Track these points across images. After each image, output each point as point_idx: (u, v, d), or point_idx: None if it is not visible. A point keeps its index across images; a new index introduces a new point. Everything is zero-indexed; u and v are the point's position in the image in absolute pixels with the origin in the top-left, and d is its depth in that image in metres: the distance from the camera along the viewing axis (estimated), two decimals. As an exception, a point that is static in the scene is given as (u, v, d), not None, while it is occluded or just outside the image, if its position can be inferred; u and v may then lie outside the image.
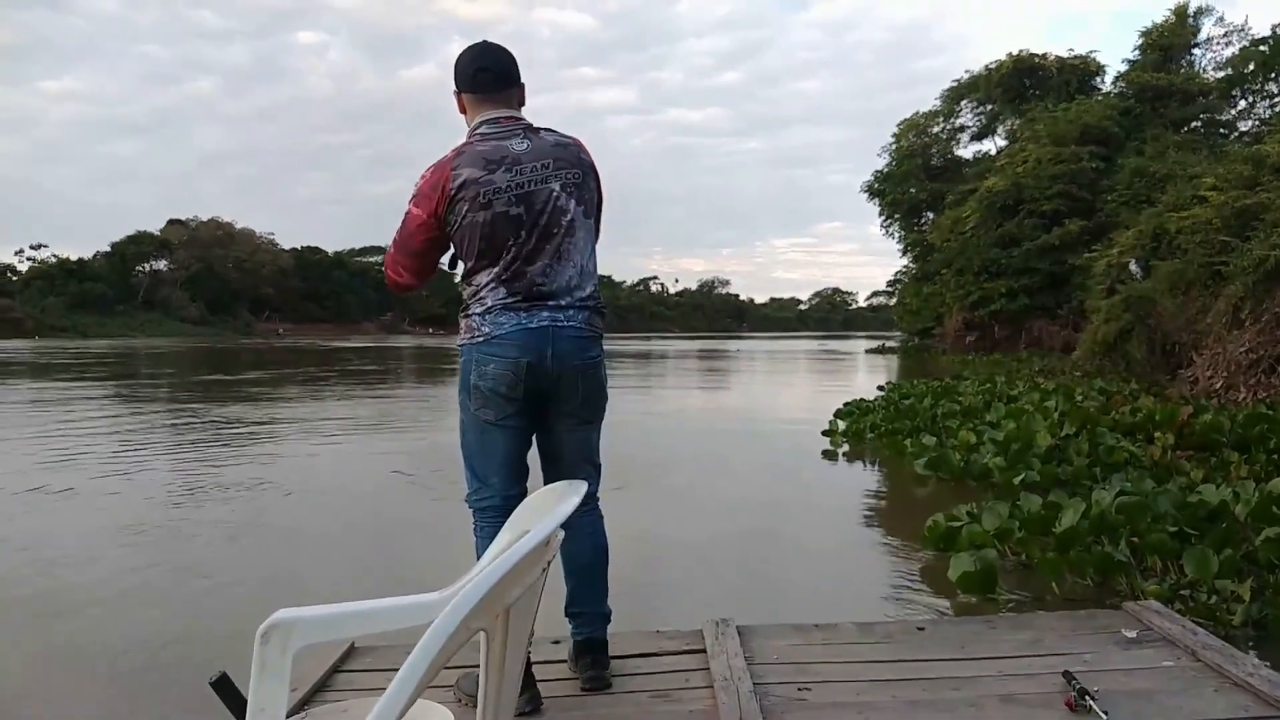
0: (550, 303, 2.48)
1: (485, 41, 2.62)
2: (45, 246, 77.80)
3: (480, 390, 2.51)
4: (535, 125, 2.59)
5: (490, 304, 2.48)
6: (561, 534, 1.25)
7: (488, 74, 2.56)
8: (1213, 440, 8.08)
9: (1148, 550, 4.74)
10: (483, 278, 2.49)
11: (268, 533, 6.27)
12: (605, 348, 2.65)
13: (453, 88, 2.61)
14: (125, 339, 59.67)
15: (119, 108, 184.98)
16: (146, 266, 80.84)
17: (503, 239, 2.45)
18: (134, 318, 72.39)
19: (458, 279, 2.63)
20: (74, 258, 76.76)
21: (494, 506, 2.57)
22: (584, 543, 2.65)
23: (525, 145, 2.50)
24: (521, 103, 2.63)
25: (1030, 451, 7.81)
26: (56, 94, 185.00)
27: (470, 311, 2.52)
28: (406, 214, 2.51)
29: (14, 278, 74.28)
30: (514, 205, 2.44)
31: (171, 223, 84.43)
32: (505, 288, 2.47)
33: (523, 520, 1.45)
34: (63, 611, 4.49)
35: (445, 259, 2.60)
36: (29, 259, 76.88)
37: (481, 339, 2.48)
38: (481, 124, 2.55)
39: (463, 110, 2.62)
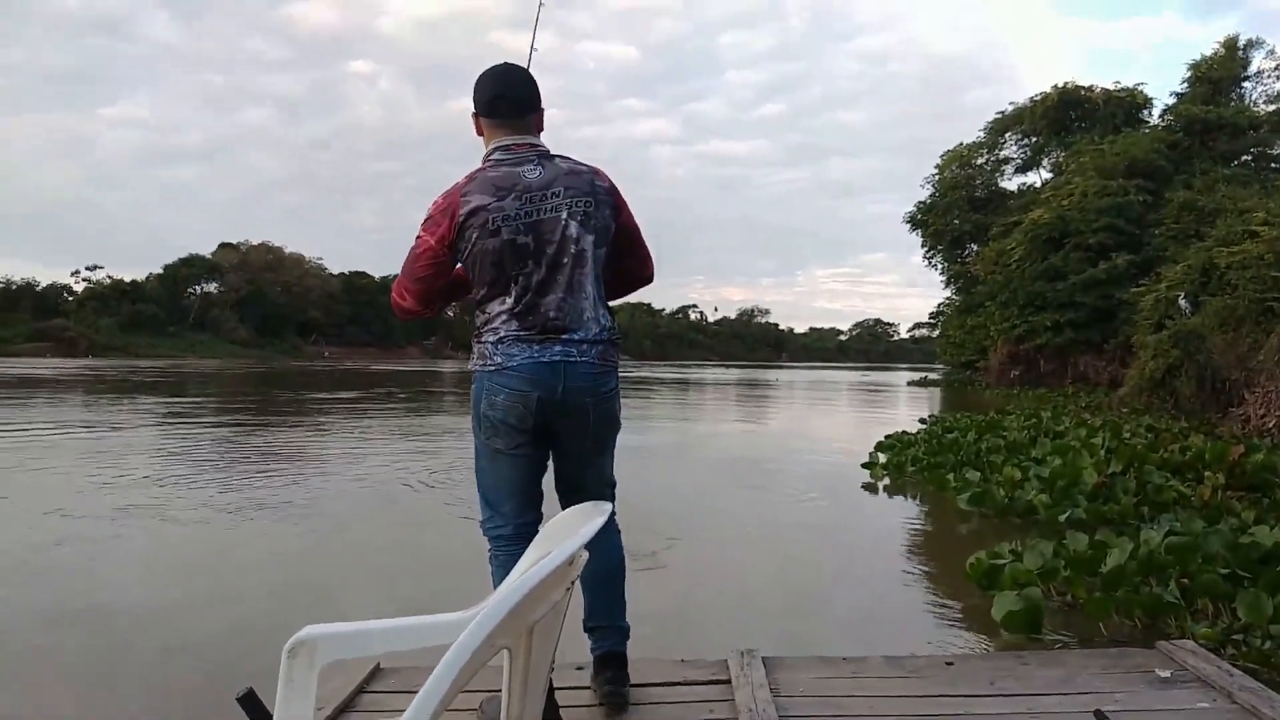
0: (564, 336, 2.45)
1: (506, 64, 2.59)
2: (100, 268, 79.77)
3: (490, 420, 2.49)
4: (551, 153, 2.56)
5: (503, 334, 2.46)
6: (585, 554, 1.24)
7: (504, 101, 2.53)
8: (1265, 480, 7.86)
9: (1198, 592, 4.60)
10: (495, 306, 2.48)
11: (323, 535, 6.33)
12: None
13: (471, 110, 2.60)
14: (177, 359, 60.78)
15: (175, 134, 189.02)
16: (198, 289, 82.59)
17: (511, 267, 2.43)
18: (184, 338, 73.87)
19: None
20: (128, 279, 78.64)
21: (506, 535, 2.56)
22: (599, 556, 2.61)
23: (537, 173, 2.48)
24: (540, 128, 2.61)
25: (1076, 489, 7.65)
26: (114, 120, 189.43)
27: (483, 339, 2.50)
28: (416, 239, 2.50)
29: (70, 298, 76.20)
30: (522, 234, 2.42)
31: (223, 246, 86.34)
32: (518, 321, 2.45)
33: (548, 540, 1.45)
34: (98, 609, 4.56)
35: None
36: (84, 280, 78.89)
37: (493, 368, 2.46)
38: (495, 150, 2.53)
39: (480, 133, 2.61)
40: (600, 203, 2.53)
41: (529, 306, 2.44)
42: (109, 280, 78.13)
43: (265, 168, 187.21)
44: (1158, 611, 4.45)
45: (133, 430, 14.61)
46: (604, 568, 2.64)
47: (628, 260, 2.68)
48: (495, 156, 2.51)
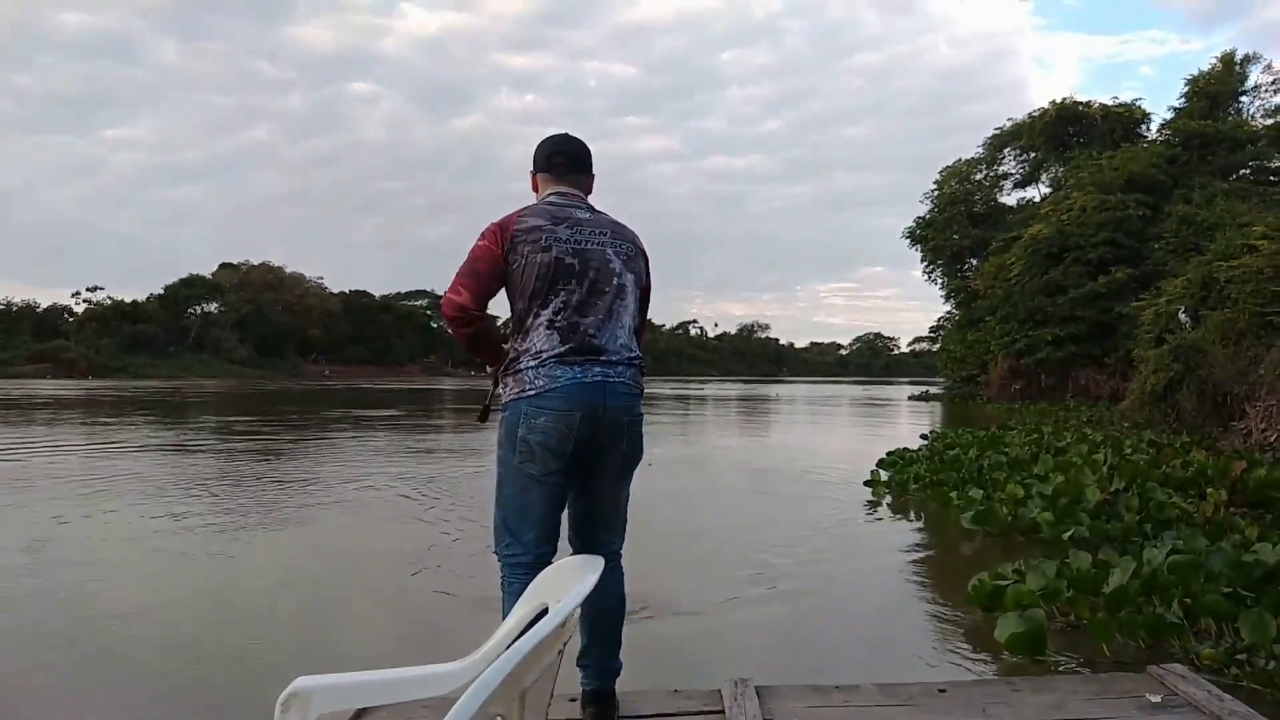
0: (602, 358, 2.58)
1: (565, 133, 2.87)
2: (101, 288, 79.91)
3: (528, 444, 2.55)
4: (597, 209, 2.79)
5: (545, 356, 2.54)
6: (578, 613, 1.23)
7: (561, 158, 2.80)
8: (1268, 496, 7.86)
9: (1201, 612, 4.58)
10: (533, 323, 2.58)
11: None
12: (646, 389, 2.78)
13: (529, 169, 2.85)
14: (177, 379, 60.70)
15: (178, 154, 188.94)
16: (198, 309, 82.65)
17: (555, 282, 2.57)
18: (184, 359, 73.79)
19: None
20: (128, 300, 78.76)
21: (525, 564, 2.59)
22: (602, 599, 2.63)
23: (587, 215, 2.71)
24: (589, 190, 2.84)
25: (1079, 506, 7.64)
26: (118, 141, 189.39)
27: (521, 366, 2.57)
28: (472, 247, 2.65)
29: (70, 319, 76.27)
30: (570, 255, 2.59)
31: (223, 266, 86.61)
32: (559, 335, 2.55)
33: (540, 593, 1.44)
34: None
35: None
36: (85, 300, 78.97)
37: (534, 392, 2.53)
38: (551, 194, 2.76)
39: (535, 189, 2.84)
40: (639, 254, 2.78)
41: (570, 324, 2.57)
42: (109, 301, 78.23)
43: (267, 188, 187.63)
44: (1160, 632, 4.43)
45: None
46: (603, 607, 2.67)
47: (638, 319, 2.84)
48: (550, 199, 2.74)
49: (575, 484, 2.66)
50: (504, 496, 2.66)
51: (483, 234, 2.64)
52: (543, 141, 2.85)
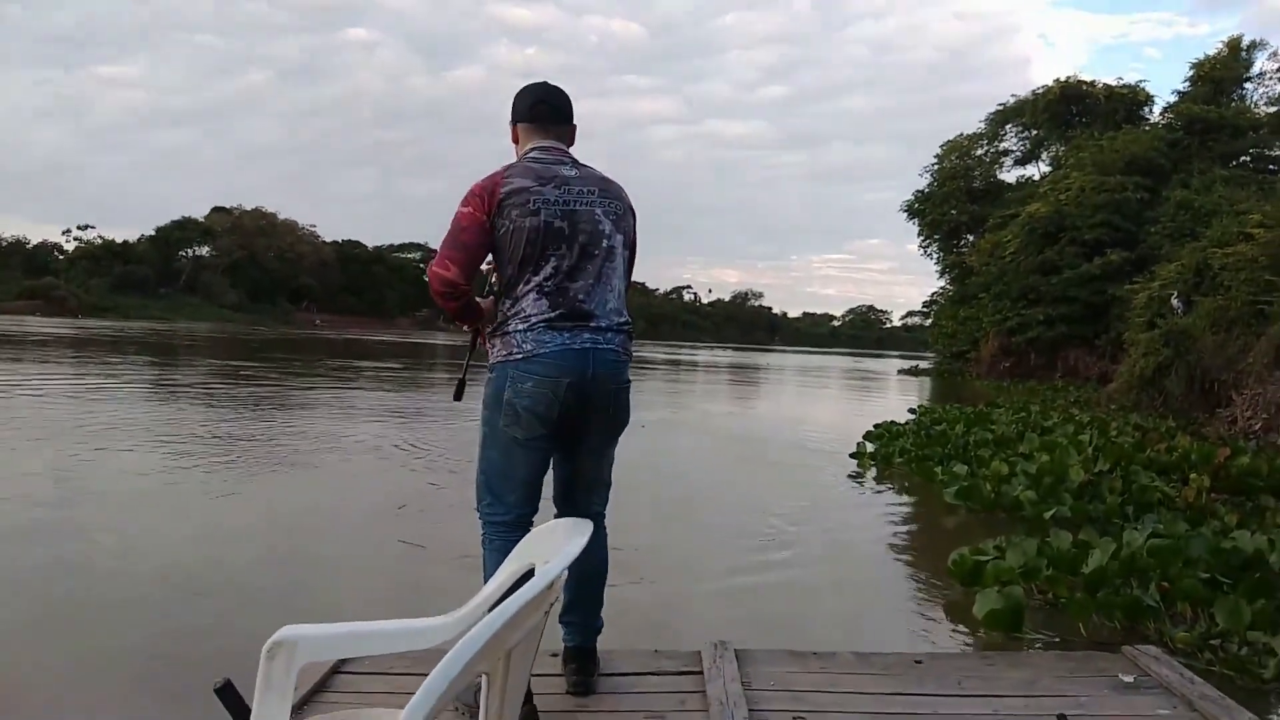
0: (591, 324, 2.53)
1: (545, 82, 2.76)
2: (92, 227, 79.11)
3: (514, 408, 2.52)
4: (582, 162, 2.70)
5: (534, 320, 2.49)
6: (565, 575, 1.24)
7: (545, 106, 2.70)
8: (1250, 485, 7.93)
9: (1178, 596, 4.63)
10: (523, 289, 2.52)
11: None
12: (638, 354, 2.75)
13: (509, 119, 2.74)
14: (167, 321, 60.44)
15: (171, 96, 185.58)
16: (190, 252, 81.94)
17: (545, 247, 2.50)
18: (175, 301, 73.28)
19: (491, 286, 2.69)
20: (120, 240, 78.10)
21: (505, 523, 2.60)
22: (586, 560, 2.63)
23: (574, 172, 2.61)
24: (572, 141, 2.74)
25: (1062, 486, 7.69)
26: (111, 80, 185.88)
27: (509, 329, 2.53)
28: (456, 214, 2.54)
29: (60, 256, 75.65)
30: (559, 219, 2.52)
31: (216, 210, 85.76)
32: (548, 300, 2.51)
33: (529, 553, 1.44)
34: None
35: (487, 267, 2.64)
36: (75, 239, 78.27)
37: (521, 356, 2.50)
38: (533, 149, 2.65)
39: (515, 140, 2.73)
40: (628, 212, 2.70)
41: (559, 288, 2.52)
42: (100, 240, 77.55)
43: (261, 133, 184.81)
44: (1137, 614, 4.48)
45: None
46: (586, 571, 2.69)
47: (626, 279, 2.78)
48: (533, 155, 2.63)
49: (560, 448, 2.64)
50: (487, 458, 2.64)
51: (465, 199, 2.53)
52: (523, 90, 2.74)
